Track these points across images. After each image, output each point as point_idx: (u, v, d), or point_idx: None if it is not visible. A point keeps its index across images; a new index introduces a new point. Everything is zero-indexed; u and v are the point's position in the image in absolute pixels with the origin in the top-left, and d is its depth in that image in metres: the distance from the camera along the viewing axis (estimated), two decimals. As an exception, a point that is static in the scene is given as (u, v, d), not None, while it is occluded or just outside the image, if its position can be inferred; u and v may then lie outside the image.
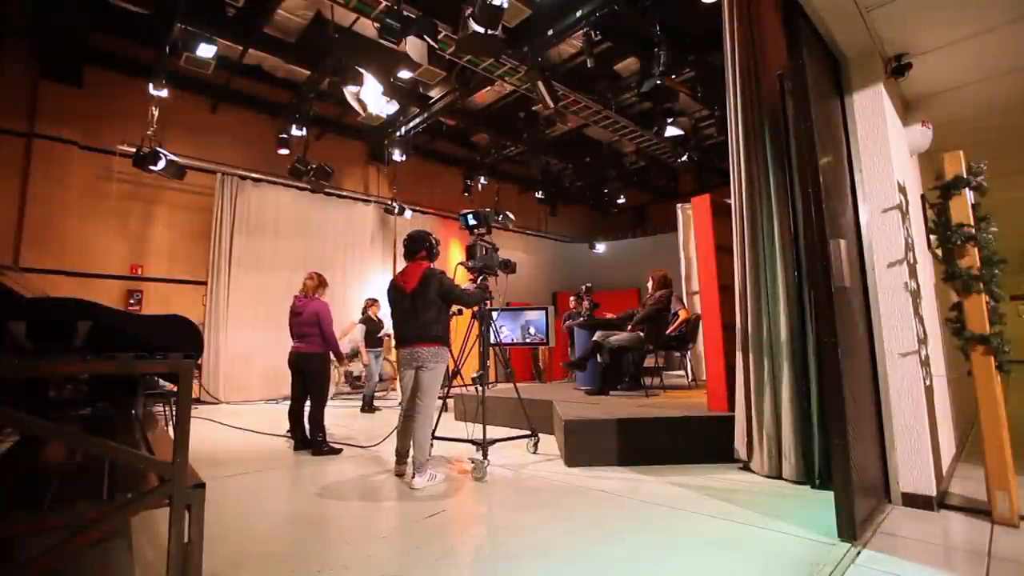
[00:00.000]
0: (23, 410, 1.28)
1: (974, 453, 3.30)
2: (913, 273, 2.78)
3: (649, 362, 5.75)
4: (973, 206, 2.54)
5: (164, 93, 6.73)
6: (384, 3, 5.46)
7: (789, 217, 3.15)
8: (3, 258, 6.29)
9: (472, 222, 3.91)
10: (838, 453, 2.19)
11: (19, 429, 1.90)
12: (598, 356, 5.34)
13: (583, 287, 8.22)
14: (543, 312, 8.19)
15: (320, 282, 4.63)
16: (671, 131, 7.73)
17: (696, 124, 9.68)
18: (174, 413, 3.65)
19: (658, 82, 6.21)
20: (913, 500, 2.54)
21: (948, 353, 3.52)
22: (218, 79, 7.69)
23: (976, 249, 2.49)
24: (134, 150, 6.79)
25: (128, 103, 7.36)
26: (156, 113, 6.92)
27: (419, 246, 3.45)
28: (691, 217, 5.58)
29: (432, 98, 8.56)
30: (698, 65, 7.15)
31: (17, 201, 6.63)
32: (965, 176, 2.55)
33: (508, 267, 4.04)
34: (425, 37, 5.19)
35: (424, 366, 3.25)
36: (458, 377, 4.31)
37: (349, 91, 6.75)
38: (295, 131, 7.98)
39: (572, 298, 8.46)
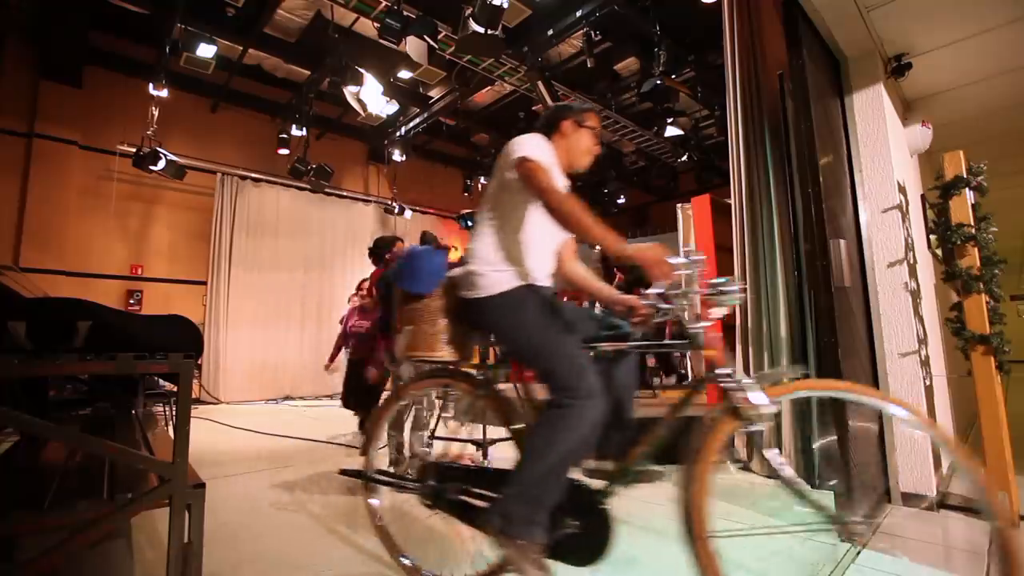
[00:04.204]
0: (23, 410, 1.28)
1: (974, 453, 3.30)
2: (913, 273, 2.78)
3: (649, 362, 5.75)
4: (973, 206, 2.54)
5: (164, 93, 6.73)
6: (384, 3, 5.46)
7: (789, 217, 3.15)
8: (3, 258, 6.28)
9: (469, 224, 3.91)
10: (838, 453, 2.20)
11: (19, 429, 1.91)
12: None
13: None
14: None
15: None
16: (671, 131, 7.73)
17: (696, 124, 9.67)
18: (174, 413, 3.65)
19: (658, 82, 6.21)
20: (913, 500, 2.54)
21: (948, 353, 3.52)
22: (218, 79, 7.68)
23: (976, 249, 2.49)
24: (134, 150, 6.80)
25: (128, 103, 7.36)
26: (156, 113, 6.93)
27: (383, 251, 3.58)
28: (691, 217, 5.58)
29: (432, 98, 8.56)
30: (698, 65, 7.14)
31: (17, 201, 6.63)
32: (965, 176, 2.55)
33: None
34: (425, 37, 5.19)
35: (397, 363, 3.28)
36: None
37: (349, 91, 6.75)
38: (295, 131, 7.97)
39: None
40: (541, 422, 1.47)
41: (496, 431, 4.14)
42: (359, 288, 4.65)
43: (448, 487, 1.69)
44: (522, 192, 1.58)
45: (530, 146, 1.56)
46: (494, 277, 1.59)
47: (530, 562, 1.37)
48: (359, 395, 4.47)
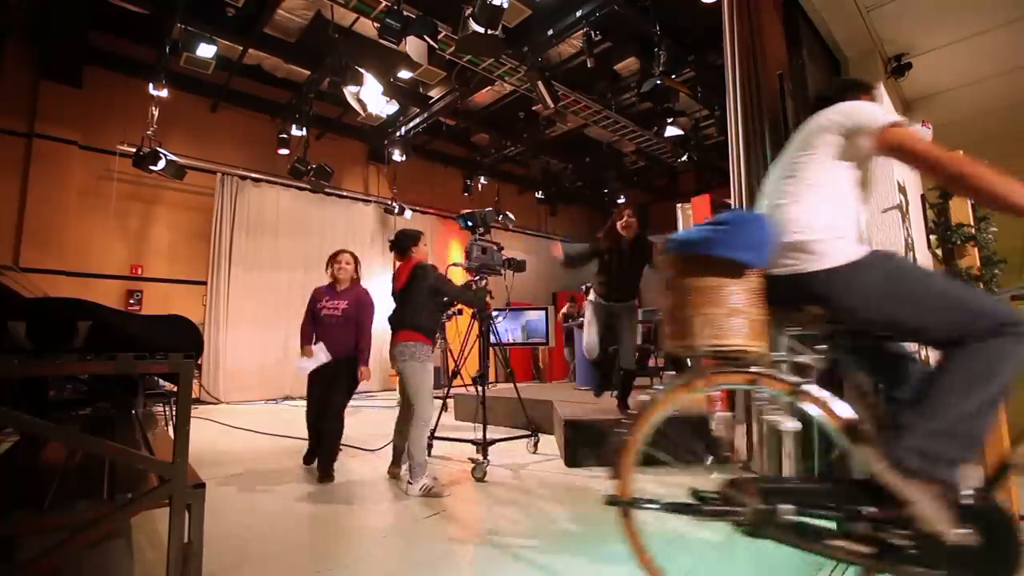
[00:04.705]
0: (23, 410, 1.28)
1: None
2: (913, 273, 2.78)
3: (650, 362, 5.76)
4: (973, 206, 2.55)
5: (164, 93, 6.73)
6: (384, 3, 5.46)
7: (789, 217, 3.15)
8: (3, 258, 6.28)
9: (469, 224, 3.90)
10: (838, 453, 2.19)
11: (19, 429, 1.91)
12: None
13: (583, 287, 8.23)
14: (543, 312, 8.19)
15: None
16: (671, 131, 7.74)
17: (696, 124, 9.68)
18: (174, 413, 3.64)
19: (658, 82, 6.21)
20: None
21: (948, 353, 3.52)
22: (218, 79, 7.69)
23: (976, 249, 2.49)
24: (134, 150, 6.80)
25: (128, 103, 7.36)
26: (156, 113, 6.93)
27: (409, 242, 3.41)
28: (691, 217, 5.58)
29: (432, 98, 8.56)
30: (698, 65, 7.15)
31: (17, 201, 6.63)
32: (965, 176, 2.55)
33: (513, 265, 4.00)
34: (425, 37, 5.19)
35: (403, 359, 3.14)
36: (458, 377, 4.31)
37: (349, 91, 6.75)
38: (295, 131, 7.98)
39: (568, 301, 8.45)
40: (974, 352, 1.24)
41: (497, 431, 4.14)
42: (334, 259, 3.72)
43: (781, 508, 1.44)
44: (867, 159, 1.47)
45: (882, 112, 1.42)
46: (838, 245, 1.39)
47: (954, 510, 1.19)
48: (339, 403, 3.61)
